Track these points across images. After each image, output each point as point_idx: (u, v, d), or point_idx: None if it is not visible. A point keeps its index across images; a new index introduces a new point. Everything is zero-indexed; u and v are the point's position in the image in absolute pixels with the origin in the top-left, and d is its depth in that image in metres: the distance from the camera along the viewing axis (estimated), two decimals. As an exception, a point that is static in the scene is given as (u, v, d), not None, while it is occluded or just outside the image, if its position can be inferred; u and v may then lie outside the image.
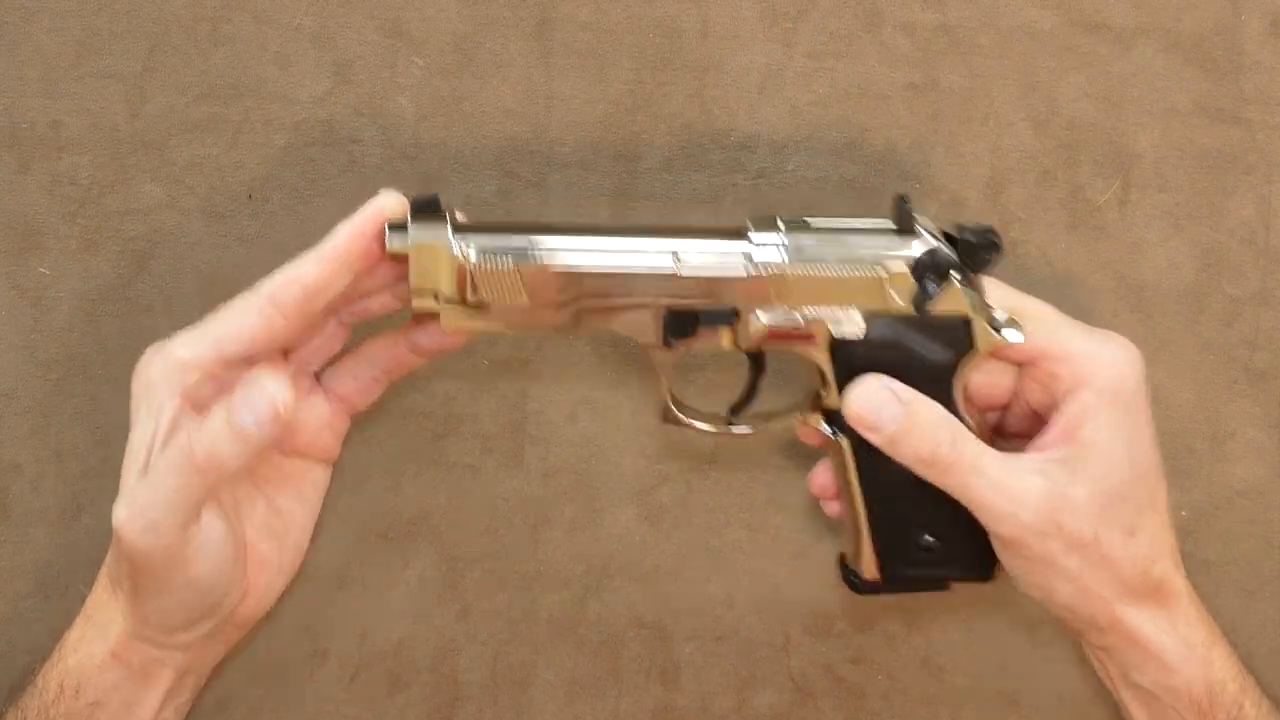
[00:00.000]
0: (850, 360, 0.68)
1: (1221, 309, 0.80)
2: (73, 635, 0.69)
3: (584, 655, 0.81)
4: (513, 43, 0.78)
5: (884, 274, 0.67)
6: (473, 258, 0.66)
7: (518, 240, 0.67)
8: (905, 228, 0.68)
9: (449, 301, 0.66)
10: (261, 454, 0.65)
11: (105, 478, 0.79)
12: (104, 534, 0.79)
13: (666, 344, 0.68)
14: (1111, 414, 0.66)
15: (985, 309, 0.68)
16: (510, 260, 0.66)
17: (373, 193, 0.78)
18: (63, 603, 0.79)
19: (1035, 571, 0.66)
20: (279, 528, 0.71)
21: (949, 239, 0.68)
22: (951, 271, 0.67)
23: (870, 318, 0.67)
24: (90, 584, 0.79)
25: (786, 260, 0.67)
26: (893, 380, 0.67)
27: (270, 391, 0.64)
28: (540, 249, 0.67)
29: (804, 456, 0.77)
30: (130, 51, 0.78)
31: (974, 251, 0.67)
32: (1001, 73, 0.79)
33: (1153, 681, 0.68)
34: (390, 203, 0.67)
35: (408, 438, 0.80)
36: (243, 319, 0.66)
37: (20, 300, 0.79)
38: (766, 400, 0.72)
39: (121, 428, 0.78)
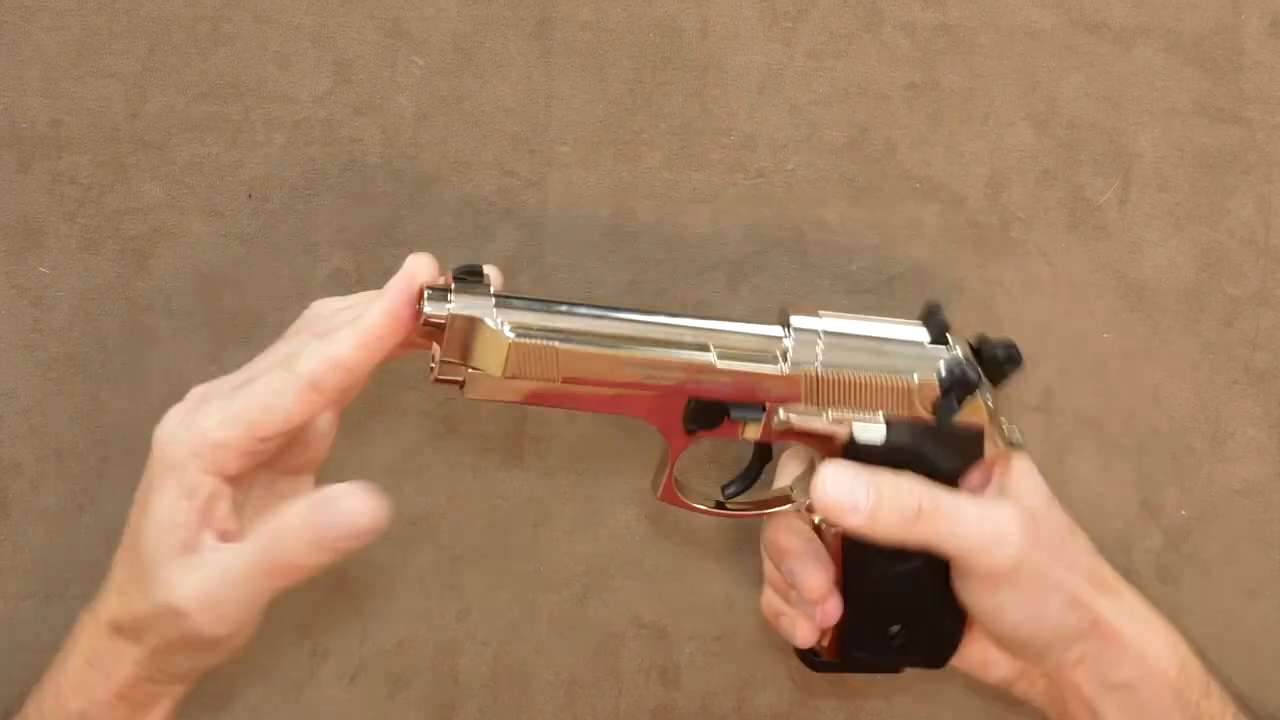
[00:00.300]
0: (863, 461, 0.67)
1: (1221, 308, 0.80)
2: (71, 678, 0.68)
3: (584, 655, 0.81)
4: (513, 42, 0.78)
5: (913, 384, 0.67)
6: (509, 334, 0.65)
7: (557, 320, 0.65)
8: (937, 338, 0.68)
9: (474, 370, 0.65)
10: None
11: (105, 477, 0.79)
12: (104, 533, 0.79)
13: (688, 432, 0.67)
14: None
15: (998, 421, 0.68)
16: (547, 340, 0.65)
17: (373, 192, 0.79)
18: (62, 603, 0.79)
19: (1029, 597, 0.67)
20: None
21: (973, 349, 0.68)
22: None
23: (891, 422, 0.67)
24: (89, 583, 0.79)
25: (822, 361, 0.67)
26: (845, 462, 0.67)
27: (362, 510, 0.63)
28: (578, 330, 0.65)
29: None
30: (130, 51, 0.78)
31: (998, 366, 0.68)
32: (1001, 72, 0.79)
33: (1130, 672, 0.68)
34: (422, 265, 0.65)
35: (408, 437, 0.80)
36: (280, 400, 0.64)
37: (20, 300, 0.79)
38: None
39: (122, 427, 0.79)
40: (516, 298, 0.65)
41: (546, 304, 0.66)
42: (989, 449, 0.67)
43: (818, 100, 0.79)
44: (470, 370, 0.64)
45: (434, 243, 0.79)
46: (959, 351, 0.67)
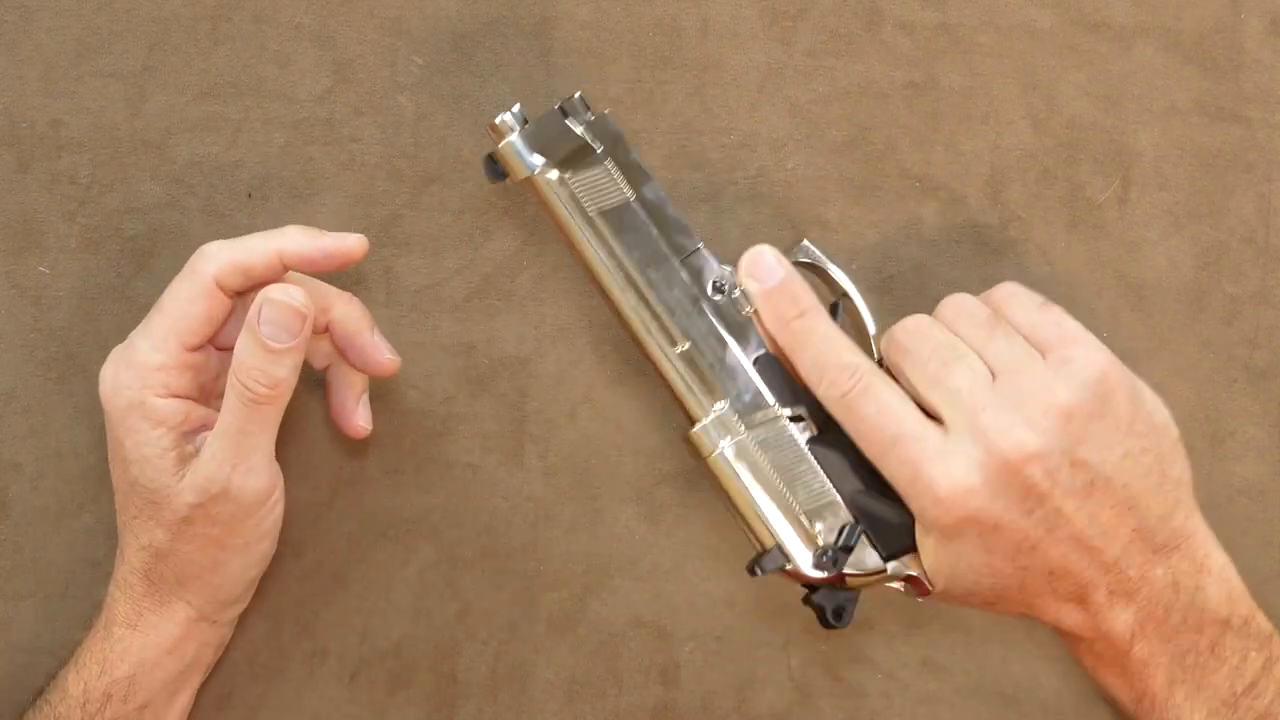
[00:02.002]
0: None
1: (1221, 307, 0.80)
2: (116, 647, 0.71)
3: (584, 655, 0.81)
4: (512, 42, 0.78)
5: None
6: (551, 177, 0.69)
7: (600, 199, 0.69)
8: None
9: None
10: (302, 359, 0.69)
11: (105, 477, 0.79)
12: (104, 533, 0.79)
13: None
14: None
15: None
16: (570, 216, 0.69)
17: (373, 192, 0.79)
18: (62, 603, 0.79)
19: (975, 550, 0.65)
20: None
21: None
22: None
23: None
24: (89, 583, 0.79)
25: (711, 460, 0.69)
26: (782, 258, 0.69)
27: (283, 299, 0.67)
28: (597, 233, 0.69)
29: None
30: (130, 50, 0.78)
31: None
32: (1001, 71, 0.79)
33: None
34: (353, 243, 0.71)
35: (407, 437, 0.80)
36: (194, 306, 0.69)
37: (20, 299, 0.79)
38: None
39: (121, 427, 0.79)
40: (581, 162, 0.69)
41: (588, 213, 0.69)
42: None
43: (818, 100, 0.79)
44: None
45: (434, 243, 0.79)
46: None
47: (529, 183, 0.69)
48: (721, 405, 0.68)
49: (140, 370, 0.69)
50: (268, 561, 0.73)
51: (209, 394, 0.72)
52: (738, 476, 0.68)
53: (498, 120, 0.68)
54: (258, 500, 0.69)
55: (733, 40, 0.79)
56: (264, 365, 0.67)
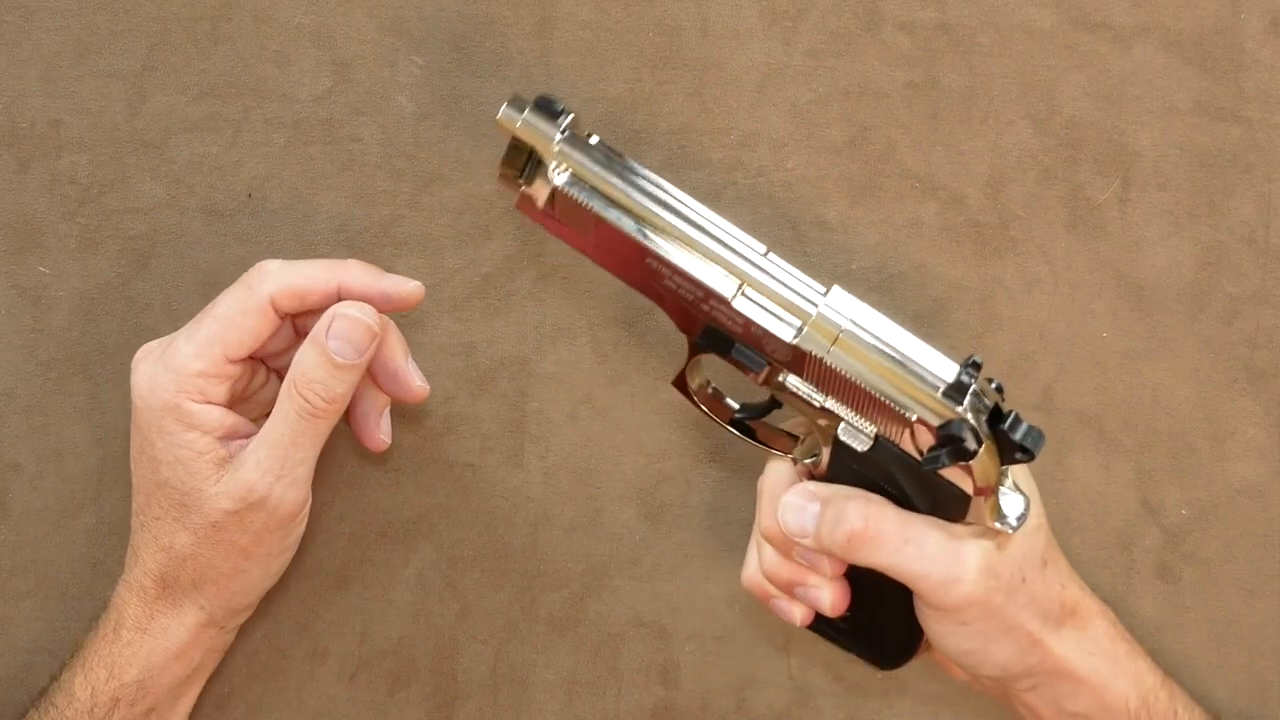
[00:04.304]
0: (845, 457, 0.67)
1: (1221, 307, 0.80)
2: (124, 651, 0.71)
3: (584, 654, 0.81)
4: (512, 41, 0.78)
5: (912, 419, 0.65)
6: (560, 180, 0.65)
7: (612, 184, 0.65)
8: (953, 391, 0.64)
9: (526, 190, 0.66)
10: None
11: (105, 477, 0.79)
12: (104, 533, 0.79)
13: (697, 345, 0.68)
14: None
15: (994, 498, 0.65)
16: (589, 201, 0.66)
17: (373, 192, 0.79)
18: (62, 603, 0.79)
19: (977, 634, 0.67)
20: None
21: (997, 419, 0.64)
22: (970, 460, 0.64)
23: (880, 441, 0.66)
24: (89, 583, 0.79)
25: (832, 354, 0.65)
26: (804, 487, 0.68)
27: (357, 315, 0.68)
28: (624, 204, 0.66)
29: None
30: (130, 50, 0.78)
31: (1008, 450, 0.64)
32: (1001, 71, 0.79)
33: (1087, 705, 0.69)
34: (411, 290, 0.71)
35: (407, 437, 0.80)
36: (246, 319, 0.69)
37: (20, 299, 0.79)
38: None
39: (122, 427, 0.79)
40: (589, 143, 0.66)
41: (614, 162, 0.66)
42: (973, 514, 0.65)
43: (817, 99, 0.79)
44: (523, 188, 0.66)
45: (434, 242, 0.79)
46: (970, 418, 0.63)
47: (553, 155, 0.65)
48: (821, 290, 0.66)
49: (179, 374, 0.68)
50: (282, 573, 0.73)
51: (237, 403, 0.71)
52: (878, 341, 0.65)
53: (504, 109, 0.65)
54: (291, 514, 0.69)
55: (733, 40, 0.79)
56: (326, 379, 0.67)
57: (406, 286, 0.70)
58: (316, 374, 0.67)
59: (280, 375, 0.72)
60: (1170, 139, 0.79)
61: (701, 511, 0.81)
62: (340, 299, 0.69)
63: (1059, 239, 0.79)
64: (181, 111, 0.78)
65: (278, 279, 0.68)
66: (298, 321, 0.72)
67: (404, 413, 0.80)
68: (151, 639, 0.70)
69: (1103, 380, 0.80)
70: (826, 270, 0.79)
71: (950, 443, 0.63)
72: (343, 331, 0.67)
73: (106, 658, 0.70)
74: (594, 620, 0.81)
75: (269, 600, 0.79)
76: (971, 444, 0.63)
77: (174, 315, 0.79)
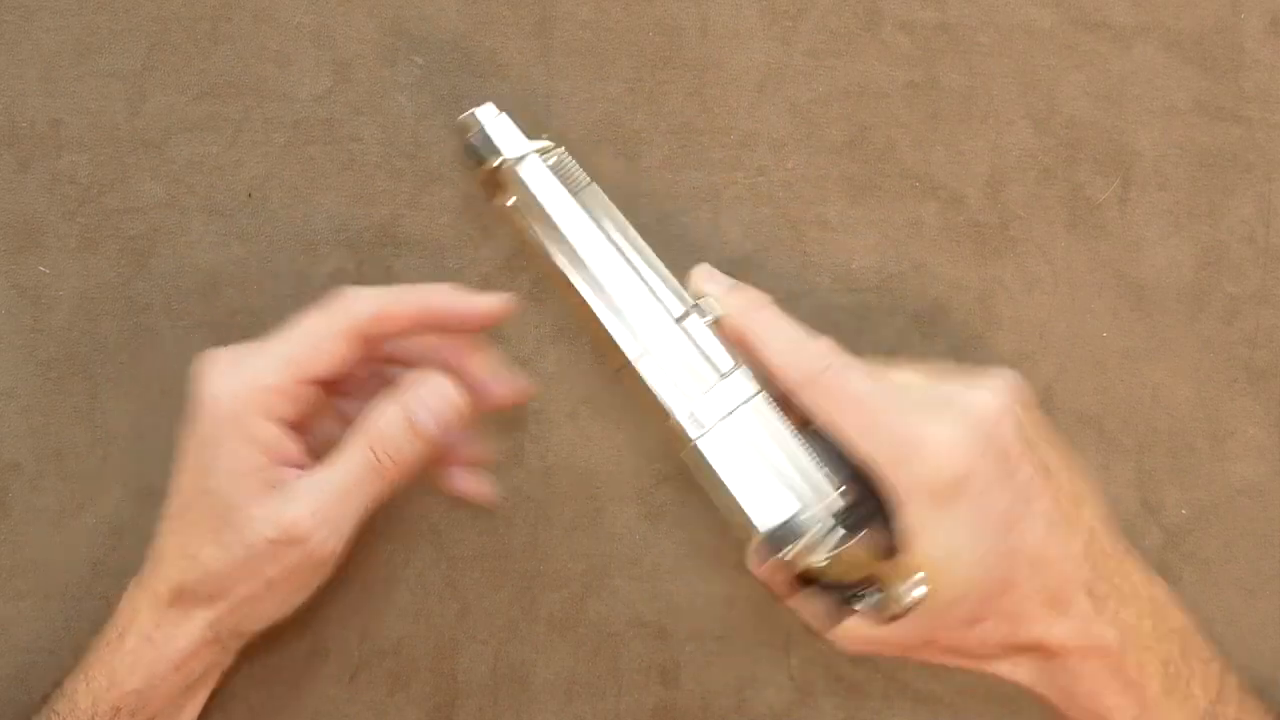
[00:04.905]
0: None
1: (1221, 307, 0.80)
2: (127, 659, 0.69)
3: (584, 654, 0.81)
4: (512, 41, 0.78)
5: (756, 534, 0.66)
6: (510, 199, 0.68)
7: (564, 212, 0.68)
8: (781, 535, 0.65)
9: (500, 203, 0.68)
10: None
11: (105, 477, 0.79)
12: (104, 533, 0.79)
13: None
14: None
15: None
16: (533, 227, 0.68)
17: (373, 192, 0.79)
18: (62, 603, 0.79)
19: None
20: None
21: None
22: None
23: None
24: (89, 583, 0.79)
25: (706, 451, 0.67)
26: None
27: (449, 393, 0.67)
28: (565, 236, 0.68)
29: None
30: (130, 50, 0.78)
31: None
32: (1001, 71, 0.79)
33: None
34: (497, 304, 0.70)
35: (407, 437, 0.80)
36: (327, 342, 0.67)
37: (20, 299, 0.79)
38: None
39: (122, 427, 0.79)
40: (541, 170, 0.68)
41: (574, 192, 0.68)
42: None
43: (817, 99, 0.79)
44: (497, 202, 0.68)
45: (434, 242, 0.79)
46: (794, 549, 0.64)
47: (511, 171, 0.68)
48: (711, 381, 0.67)
49: (251, 385, 0.67)
50: (293, 611, 0.72)
51: (300, 428, 0.70)
52: (732, 456, 0.67)
53: (479, 110, 0.68)
54: (325, 560, 0.68)
55: (733, 40, 0.79)
56: (400, 441, 0.67)
57: (492, 301, 0.70)
58: (391, 431, 0.67)
59: (343, 416, 0.71)
60: (1170, 139, 0.79)
61: (701, 511, 0.81)
62: (426, 325, 0.69)
63: (1059, 239, 0.79)
64: (181, 111, 0.78)
65: (360, 303, 0.67)
66: (377, 361, 0.72)
67: (404, 413, 0.80)
68: (155, 648, 0.69)
69: (1103, 380, 0.80)
70: (826, 270, 0.79)
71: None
72: (428, 399, 0.67)
73: (108, 665, 0.70)
74: (594, 620, 0.81)
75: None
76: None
77: (174, 315, 0.79)
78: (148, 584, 0.70)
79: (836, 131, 0.79)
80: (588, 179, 0.68)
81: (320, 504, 0.66)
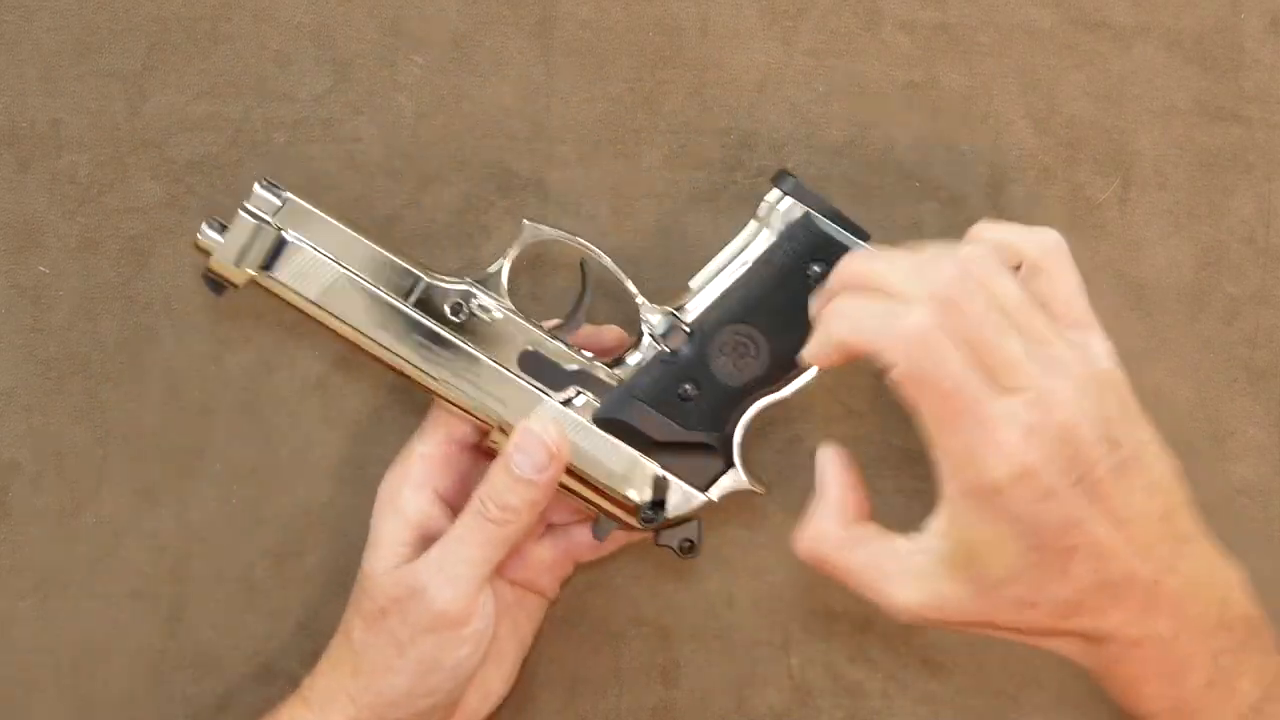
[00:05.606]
0: None
1: (1222, 307, 0.80)
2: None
3: (585, 654, 0.81)
4: (512, 41, 0.78)
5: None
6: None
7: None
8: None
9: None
10: (544, 503, 0.70)
11: (105, 477, 0.79)
12: (104, 533, 0.79)
13: None
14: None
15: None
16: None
17: (373, 192, 0.79)
18: (62, 603, 0.79)
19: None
20: (495, 653, 0.73)
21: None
22: None
23: None
24: (89, 583, 0.79)
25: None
26: None
27: (538, 432, 0.69)
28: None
29: (805, 456, 0.77)
30: (130, 50, 0.78)
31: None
32: (1001, 71, 0.79)
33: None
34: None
35: (408, 436, 0.80)
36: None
37: (20, 299, 0.79)
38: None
39: (122, 427, 0.79)
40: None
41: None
42: None
43: (817, 99, 0.79)
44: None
45: (434, 243, 0.79)
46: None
47: (255, 284, 0.70)
48: (501, 411, 0.71)
49: (405, 456, 0.72)
50: (447, 710, 0.72)
51: (462, 500, 0.72)
52: None
53: (199, 238, 0.70)
54: (445, 613, 0.69)
55: (733, 40, 0.79)
56: (502, 489, 0.69)
57: (607, 334, 0.75)
58: (496, 479, 0.69)
59: None
60: (1170, 139, 0.79)
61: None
62: None
63: (1059, 239, 0.79)
64: (181, 111, 0.78)
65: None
66: None
67: (405, 411, 0.79)
68: (314, 712, 0.72)
69: (1103, 380, 0.80)
70: (826, 270, 0.79)
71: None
72: (522, 445, 0.69)
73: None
74: (594, 620, 0.81)
75: (269, 600, 0.79)
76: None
77: (174, 315, 0.79)
78: (330, 653, 0.72)
79: (836, 132, 0.79)
80: (331, 267, 0.70)
81: (433, 554, 0.69)
